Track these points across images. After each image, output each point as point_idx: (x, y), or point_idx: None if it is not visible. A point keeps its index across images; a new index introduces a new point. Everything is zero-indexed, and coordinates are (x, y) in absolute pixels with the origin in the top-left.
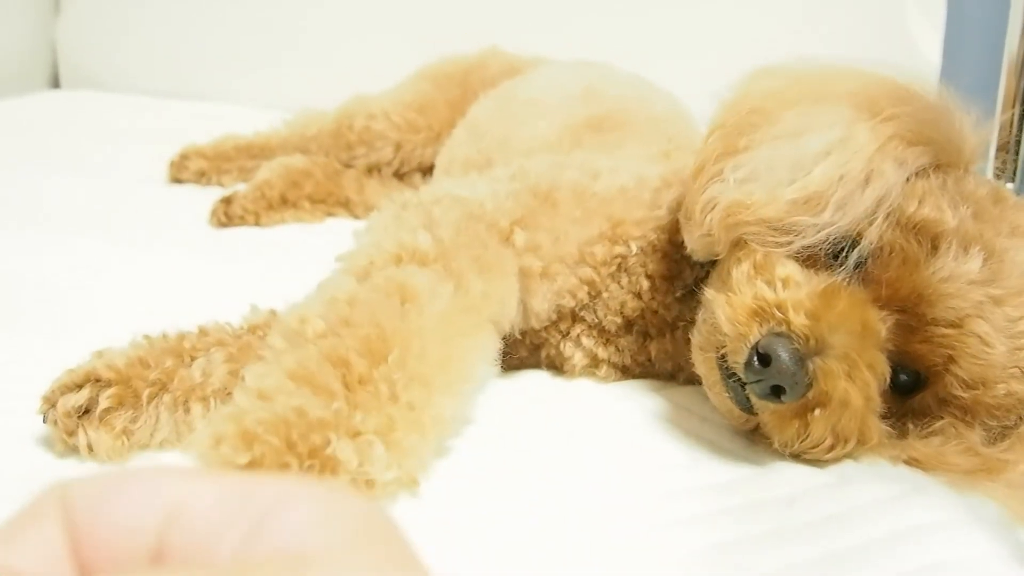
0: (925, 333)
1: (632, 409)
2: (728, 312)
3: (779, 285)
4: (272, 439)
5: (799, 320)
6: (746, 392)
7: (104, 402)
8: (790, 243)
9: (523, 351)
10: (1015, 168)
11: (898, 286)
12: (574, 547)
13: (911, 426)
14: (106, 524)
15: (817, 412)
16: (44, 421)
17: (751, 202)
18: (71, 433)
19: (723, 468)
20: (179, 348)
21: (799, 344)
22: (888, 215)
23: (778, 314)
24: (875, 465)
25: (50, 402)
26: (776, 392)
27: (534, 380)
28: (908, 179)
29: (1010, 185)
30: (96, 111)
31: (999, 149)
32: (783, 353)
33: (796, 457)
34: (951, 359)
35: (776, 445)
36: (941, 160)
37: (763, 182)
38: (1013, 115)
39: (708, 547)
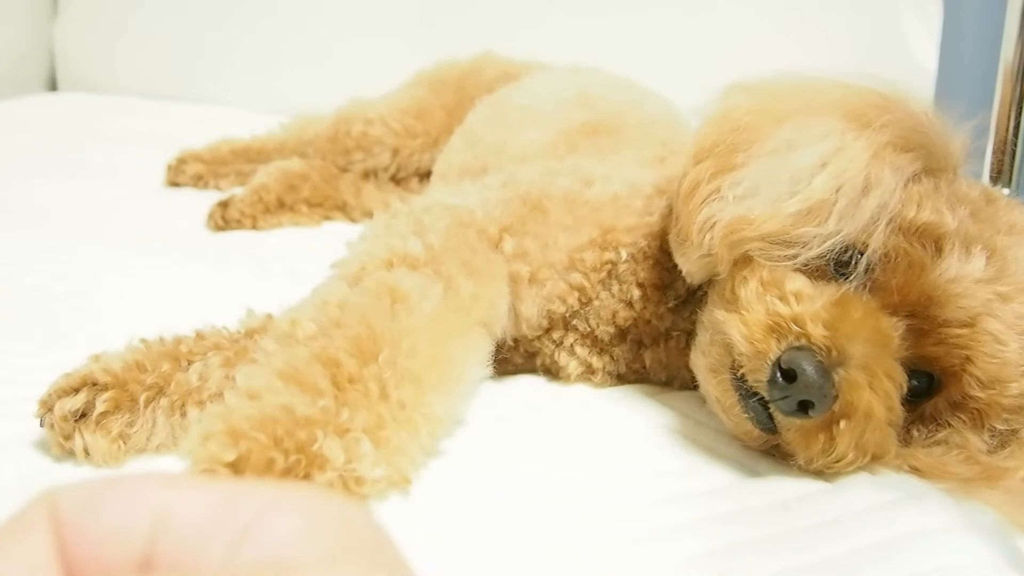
0: (938, 335)
1: (627, 414)
2: (743, 331)
3: (792, 299)
4: (258, 436)
5: (818, 332)
6: (769, 411)
7: (101, 406)
8: (796, 256)
9: (518, 359)
10: (1011, 173)
11: (907, 291)
12: (569, 553)
13: (916, 433)
14: (94, 531)
15: (843, 424)
16: (41, 425)
17: (753, 217)
18: (68, 437)
19: (719, 474)
20: (176, 352)
21: (821, 356)
22: (890, 221)
23: (796, 328)
24: (871, 471)
25: (47, 406)
26: (803, 407)
27: (529, 385)
28: (905, 185)
29: (1006, 190)
30: (93, 114)
31: (995, 154)
32: (808, 367)
33: (818, 473)
34: (968, 359)
35: (801, 462)
36: (931, 165)
37: (763, 197)
38: (1009, 120)
39: (703, 553)
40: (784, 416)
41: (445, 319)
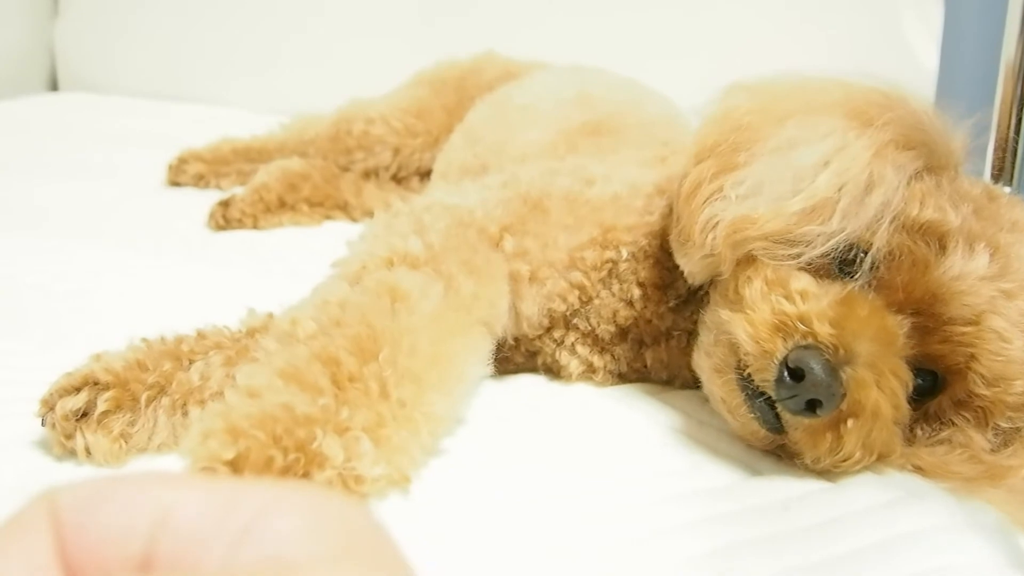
0: (943, 333)
1: (628, 414)
2: (749, 331)
3: (797, 298)
4: (258, 434)
5: (825, 331)
6: (776, 411)
7: (102, 405)
8: (800, 255)
9: (519, 358)
10: (1012, 171)
11: (911, 288)
12: (570, 552)
13: (919, 432)
14: (94, 531)
15: (850, 423)
16: (42, 424)
17: (757, 216)
18: (69, 436)
19: (721, 473)
20: (177, 351)
21: (829, 355)
22: (893, 219)
23: (802, 327)
24: (875, 470)
25: (48, 405)
26: (811, 406)
27: (529, 384)
28: (907, 183)
29: (1008, 188)
30: (93, 114)
31: (996, 152)
32: (815, 365)
33: (823, 472)
34: (972, 357)
35: (808, 462)
36: (932, 163)
37: (766, 196)
38: (1010, 119)
39: (703, 553)
40: (792, 415)
41: (445, 318)
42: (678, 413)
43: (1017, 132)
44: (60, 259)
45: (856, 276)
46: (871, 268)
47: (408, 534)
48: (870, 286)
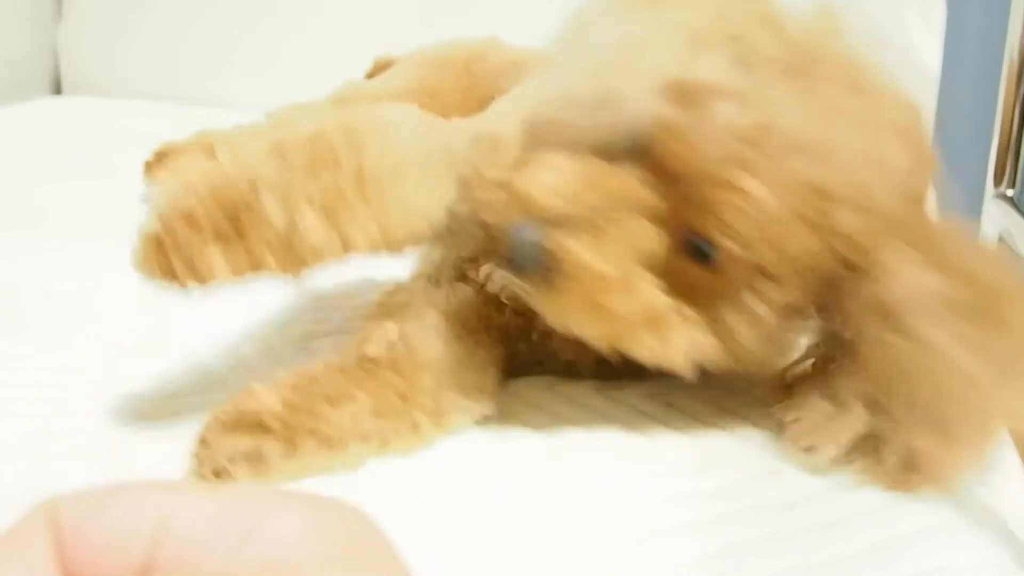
0: (700, 197)
1: (630, 412)
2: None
3: (536, 174)
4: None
5: (544, 200)
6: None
7: (265, 452)
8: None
9: (523, 346)
10: (1015, 173)
11: (670, 156)
12: (570, 552)
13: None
14: (95, 539)
15: (567, 284)
16: (193, 460)
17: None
18: (219, 475)
19: (723, 473)
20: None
21: (544, 222)
22: (659, 89)
23: (526, 199)
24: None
25: (207, 445)
26: (521, 269)
27: (533, 382)
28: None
29: (1011, 191)
30: (98, 117)
31: (999, 152)
32: (522, 232)
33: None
34: (725, 221)
35: (556, 326)
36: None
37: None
38: (1013, 120)
39: (705, 553)
40: (511, 281)
41: None
42: (681, 413)
43: (1020, 132)
44: (60, 259)
45: (620, 151)
46: (632, 138)
47: (408, 534)
48: (631, 156)
